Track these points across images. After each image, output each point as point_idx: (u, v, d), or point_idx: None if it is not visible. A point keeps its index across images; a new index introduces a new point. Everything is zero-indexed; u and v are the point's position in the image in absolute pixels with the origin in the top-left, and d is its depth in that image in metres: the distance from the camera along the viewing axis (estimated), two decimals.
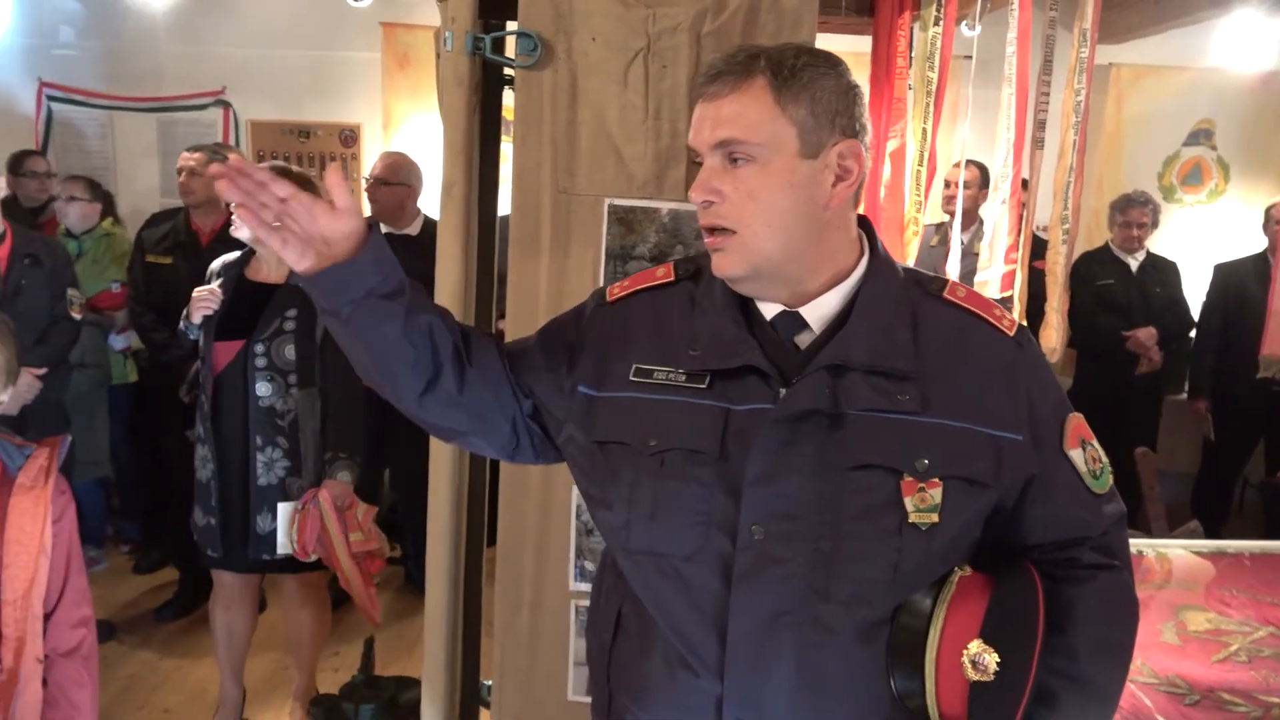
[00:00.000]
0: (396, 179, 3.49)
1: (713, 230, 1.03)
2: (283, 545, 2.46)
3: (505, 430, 1.16)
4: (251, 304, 2.49)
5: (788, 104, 0.99)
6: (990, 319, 1.07)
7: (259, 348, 2.45)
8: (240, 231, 2.43)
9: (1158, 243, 4.19)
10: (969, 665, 0.97)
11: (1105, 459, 1.11)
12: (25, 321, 2.97)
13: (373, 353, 1.07)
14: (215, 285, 2.55)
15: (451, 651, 1.85)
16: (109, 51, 4.46)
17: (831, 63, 1.03)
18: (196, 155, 3.38)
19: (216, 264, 2.65)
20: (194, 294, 2.55)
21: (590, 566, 1.76)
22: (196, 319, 2.53)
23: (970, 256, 2.94)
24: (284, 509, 2.46)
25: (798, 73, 1.00)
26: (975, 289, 1.99)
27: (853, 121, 1.03)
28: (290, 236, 0.98)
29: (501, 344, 1.19)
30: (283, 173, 2.44)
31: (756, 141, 0.99)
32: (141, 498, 3.95)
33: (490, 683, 1.87)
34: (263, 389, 2.46)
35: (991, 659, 0.97)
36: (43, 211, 3.82)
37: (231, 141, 4.50)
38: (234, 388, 2.48)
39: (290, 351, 2.46)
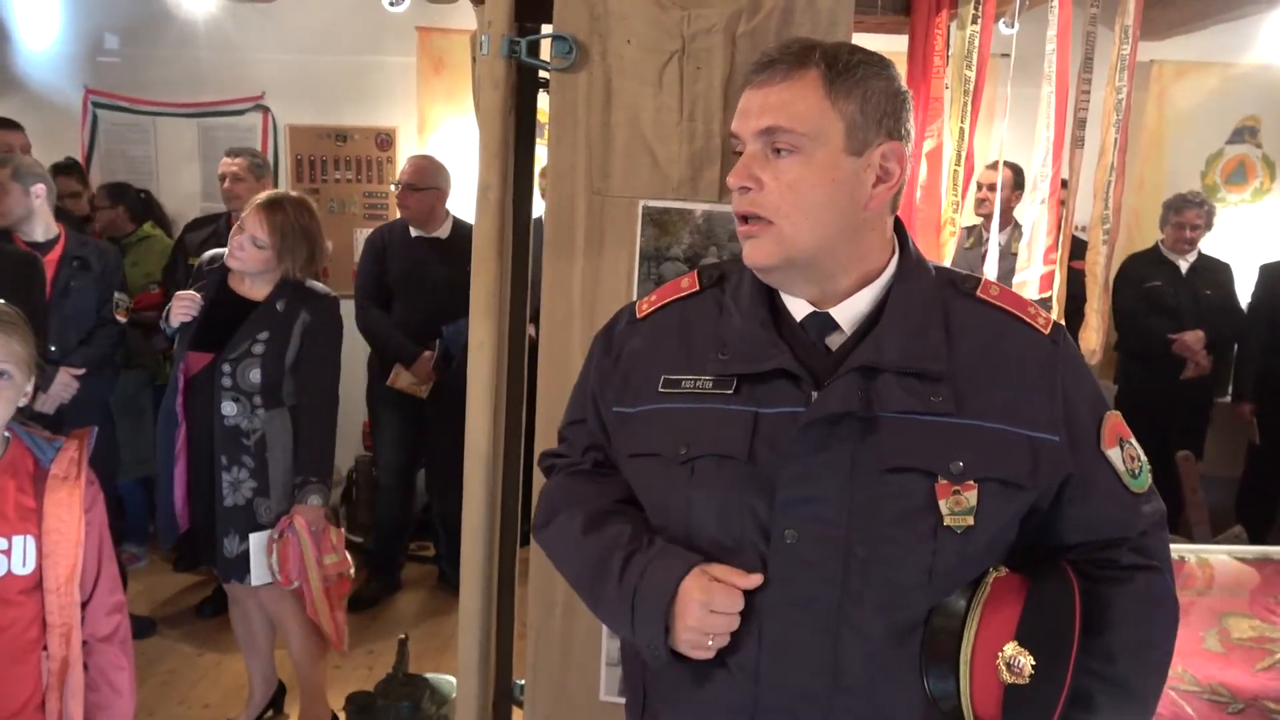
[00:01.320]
0: (425, 184, 3.53)
1: (746, 218, 1.02)
2: (260, 576, 2.43)
3: None
4: (228, 317, 2.48)
5: (838, 98, 0.99)
6: (1025, 317, 1.05)
7: (225, 367, 2.42)
8: (233, 261, 2.48)
9: (1202, 243, 4.10)
10: (1004, 668, 0.96)
11: (1144, 458, 1.09)
12: (72, 323, 3.05)
13: None
14: (196, 290, 2.54)
15: (485, 651, 1.86)
16: (151, 58, 4.55)
17: (884, 64, 1.03)
18: (239, 161, 3.44)
19: (206, 255, 2.68)
20: (175, 297, 2.55)
21: None
22: (175, 323, 2.52)
23: (1009, 257, 2.90)
24: (257, 539, 2.42)
25: (851, 69, 1.00)
26: (1014, 289, 1.97)
27: (899, 125, 1.02)
28: None
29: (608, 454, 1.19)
30: (276, 203, 2.45)
31: (802, 131, 0.99)
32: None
33: (523, 682, 1.87)
34: (228, 409, 2.42)
35: (1027, 662, 0.95)
36: (92, 220, 3.90)
37: (270, 146, 4.58)
38: (204, 400, 2.46)
39: (255, 375, 2.42)
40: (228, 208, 3.54)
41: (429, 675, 2.72)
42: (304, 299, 2.52)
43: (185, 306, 2.50)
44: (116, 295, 3.13)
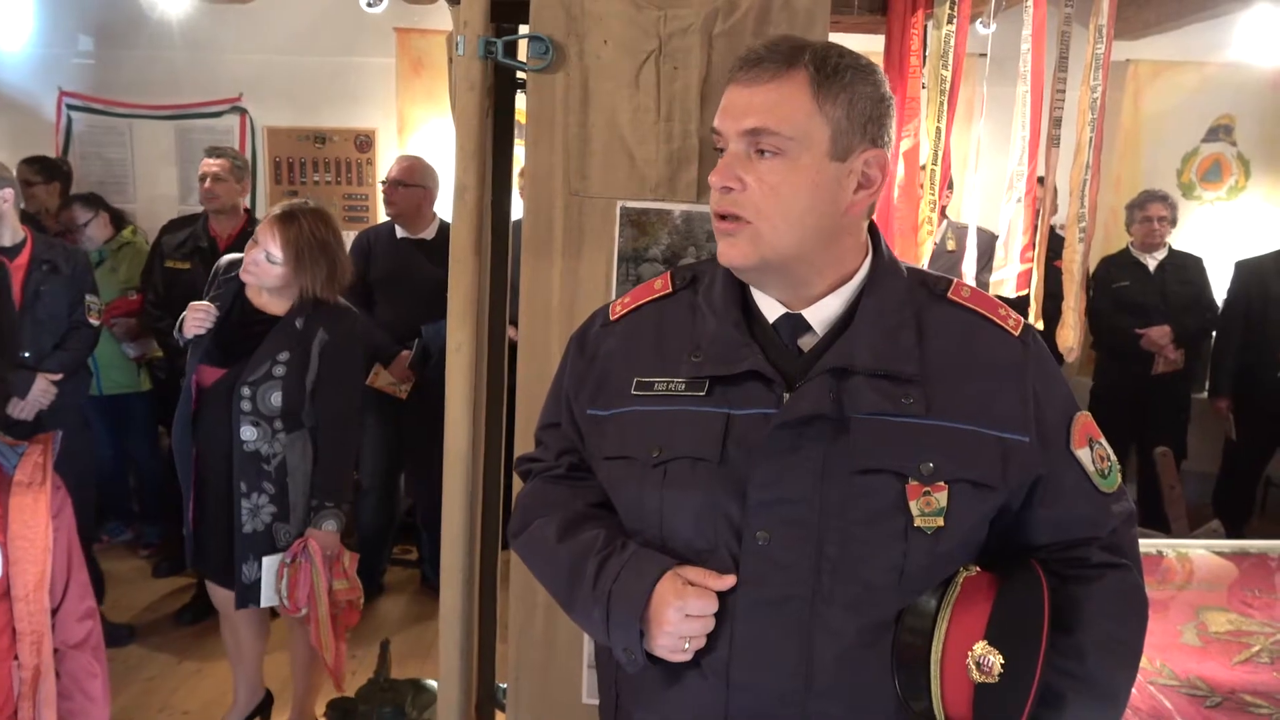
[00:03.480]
0: (413, 181, 3.51)
1: (725, 216, 1.01)
2: (269, 599, 2.37)
3: None
4: (244, 333, 2.38)
5: (825, 102, 0.98)
6: (995, 319, 1.06)
7: (245, 390, 2.31)
8: (247, 276, 2.37)
9: (1177, 240, 4.15)
10: (974, 667, 0.96)
11: (1114, 458, 1.10)
12: (45, 328, 3.02)
13: None
14: (211, 302, 2.43)
15: (466, 654, 1.85)
16: (127, 60, 4.51)
17: (871, 69, 1.02)
18: (220, 161, 3.41)
19: (223, 261, 2.55)
20: (189, 307, 2.43)
21: None
22: (188, 334, 2.42)
23: (944, 254, 2.93)
24: (270, 562, 2.35)
25: (840, 72, 0.99)
26: (991, 287, 1.99)
27: (882, 132, 1.02)
28: None
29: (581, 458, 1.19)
30: (290, 216, 2.35)
31: (789, 135, 0.98)
32: (163, 502, 3.98)
33: (505, 685, 1.87)
34: (248, 434, 2.31)
35: (996, 660, 0.96)
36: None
37: (248, 148, 4.54)
38: (215, 416, 2.36)
39: (277, 399, 2.32)
40: (206, 209, 3.51)
41: (412, 679, 2.71)
42: (322, 315, 2.40)
43: (200, 318, 2.38)
44: (88, 298, 3.10)
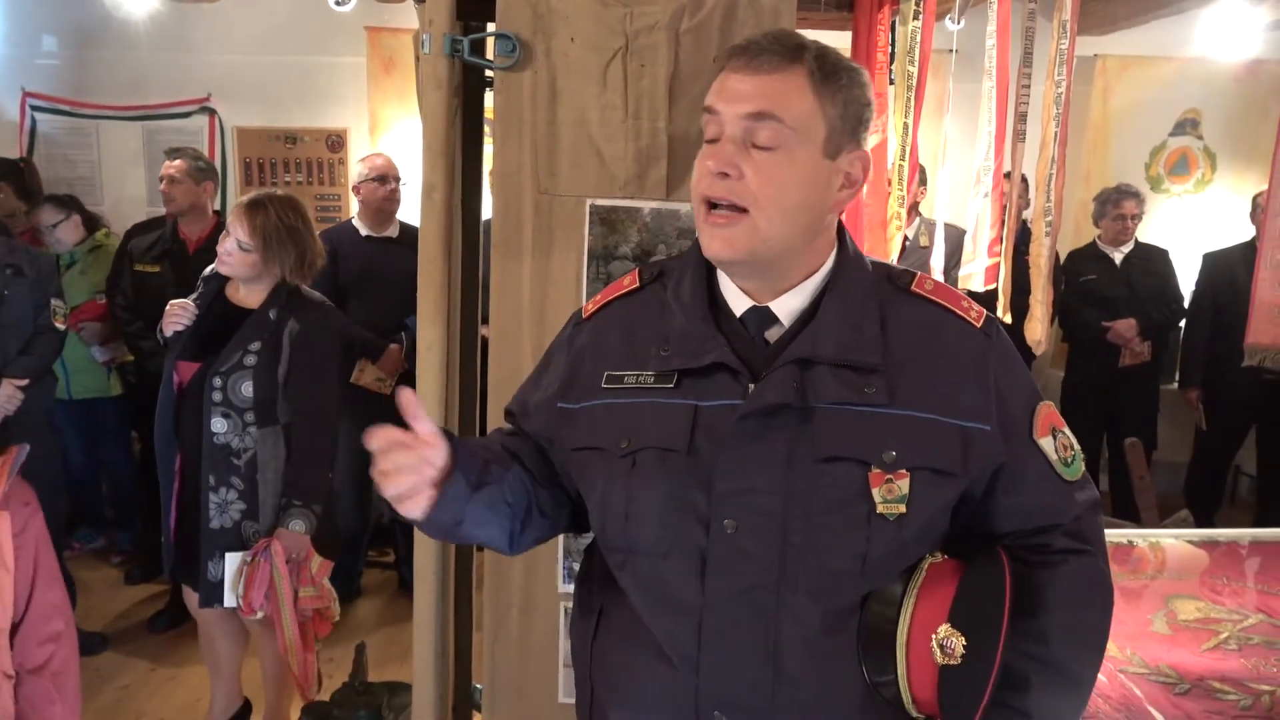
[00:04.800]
0: (397, 175, 3.54)
1: (716, 205, 1.01)
2: (228, 599, 2.33)
3: (574, 510, 1.19)
4: (222, 326, 2.37)
5: (824, 100, 1.00)
6: (958, 311, 1.07)
7: (216, 381, 2.29)
8: (222, 266, 2.37)
9: (1146, 233, 4.20)
10: (938, 649, 0.98)
11: (1077, 447, 1.11)
12: (9, 332, 2.96)
13: (477, 534, 1.09)
14: (192, 299, 2.44)
15: (442, 655, 1.84)
16: (93, 60, 4.44)
17: (861, 73, 1.05)
18: (177, 163, 3.38)
19: (208, 270, 2.55)
20: (168, 306, 2.44)
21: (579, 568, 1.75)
22: (168, 332, 2.41)
23: (918, 250, 2.95)
24: (232, 559, 2.31)
25: (838, 73, 1.01)
26: (960, 281, 2.01)
27: (867, 134, 1.05)
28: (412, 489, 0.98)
29: (531, 435, 1.19)
30: (258, 204, 2.39)
31: (792, 125, 0.98)
32: (136, 509, 3.94)
33: (481, 686, 1.86)
34: (218, 425, 2.29)
35: (959, 642, 0.97)
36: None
37: (217, 148, 4.49)
38: (195, 413, 2.33)
39: (248, 388, 2.30)
40: (166, 210, 3.47)
41: (387, 682, 2.69)
42: (294, 306, 2.40)
43: (178, 315, 2.39)
44: (54, 302, 3.05)
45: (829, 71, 1.00)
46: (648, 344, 1.08)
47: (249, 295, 2.42)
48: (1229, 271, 3.94)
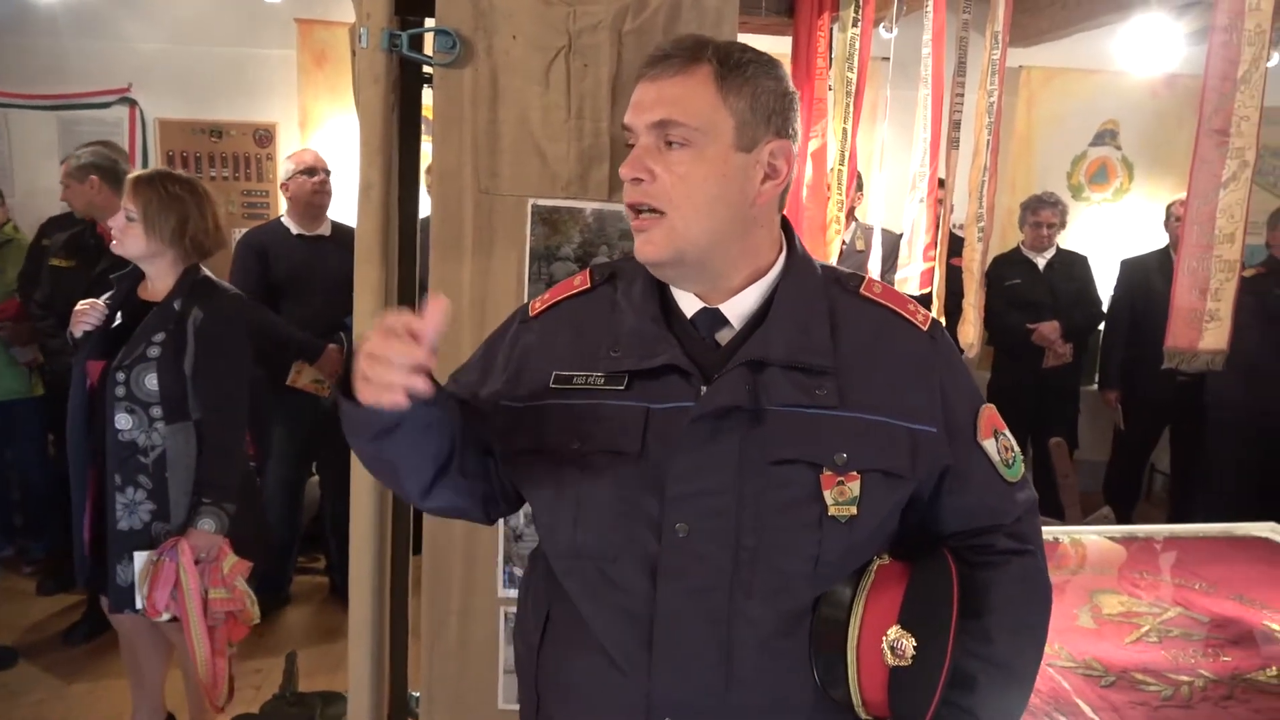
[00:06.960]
0: (327, 170, 3.45)
1: (639, 210, 1.02)
2: (138, 601, 2.22)
3: (489, 490, 1.14)
4: (134, 324, 2.27)
5: (729, 94, 1.00)
6: (905, 314, 1.09)
7: (119, 375, 2.19)
8: (116, 246, 2.29)
9: (1067, 239, 4.34)
10: (888, 651, 0.99)
11: (1017, 448, 1.14)
12: None
13: (406, 456, 1.04)
14: (104, 299, 2.34)
15: (378, 663, 1.80)
16: (6, 46, 4.24)
17: (773, 64, 1.05)
18: (63, 166, 3.31)
19: (116, 275, 2.46)
20: (77, 305, 2.33)
21: (519, 573, 1.74)
22: (77, 333, 2.31)
23: (854, 254, 3.01)
24: (140, 558, 2.22)
25: (742, 66, 1.01)
26: (896, 285, 2.04)
27: (787, 124, 1.04)
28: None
29: (467, 404, 1.13)
30: (148, 176, 2.33)
31: (694, 126, 0.99)
32: (50, 515, 3.77)
33: (419, 694, 1.83)
34: (122, 421, 2.19)
35: (909, 644, 0.99)
36: None
37: (138, 141, 4.33)
38: (104, 412, 2.23)
39: (152, 381, 2.20)
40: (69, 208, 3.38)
41: (320, 692, 2.63)
42: (200, 295, 2.31)
43: (87, 314, 2.28)
44: None
45: (733, 65, 1.01)
46: (597, 345, 1.07)
47: (157, 289, 2.34)
48: (1145, 278, 4.10)
